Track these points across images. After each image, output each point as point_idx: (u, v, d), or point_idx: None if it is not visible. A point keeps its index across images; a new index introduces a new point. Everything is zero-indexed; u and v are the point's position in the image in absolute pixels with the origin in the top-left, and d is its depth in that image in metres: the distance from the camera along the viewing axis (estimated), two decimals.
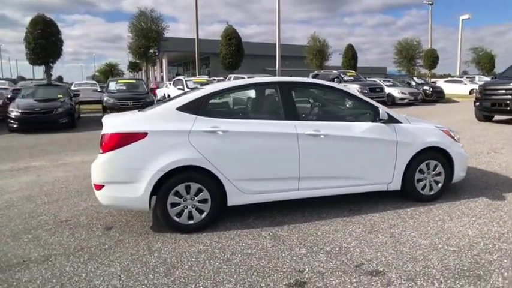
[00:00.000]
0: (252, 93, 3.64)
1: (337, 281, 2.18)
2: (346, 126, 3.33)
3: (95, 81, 22.20)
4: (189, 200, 2.97)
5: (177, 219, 2.97)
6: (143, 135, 2.90)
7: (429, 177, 3.53)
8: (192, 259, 2.52)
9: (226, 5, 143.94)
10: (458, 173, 3.64)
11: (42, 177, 4.90)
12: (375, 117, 3.37)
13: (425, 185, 3.53)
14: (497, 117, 10.03)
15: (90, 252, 2.67)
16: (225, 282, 2.20)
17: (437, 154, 3.52)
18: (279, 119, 3.21)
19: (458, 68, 31.62)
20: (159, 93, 18.65)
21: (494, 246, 2.54)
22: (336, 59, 30.35)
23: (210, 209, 3.01)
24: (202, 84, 13.61)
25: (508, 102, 9.32)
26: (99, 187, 2.96)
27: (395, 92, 17.97)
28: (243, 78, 15.01)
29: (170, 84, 17.46)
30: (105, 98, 10.55)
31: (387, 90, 17.80)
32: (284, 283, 2.17)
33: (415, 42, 30.82)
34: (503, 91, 9.53)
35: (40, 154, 6.53)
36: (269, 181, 3.14)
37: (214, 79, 15.43)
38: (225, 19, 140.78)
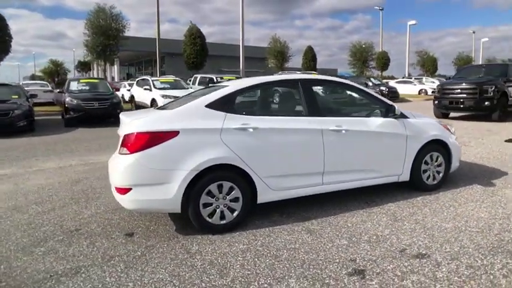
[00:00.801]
0: (277, 90, 3.69)
1: (391, 266, 2.32)
2: (363, 121, 3.53)
3: (45, 82, 20.25)
4: (221, 199, 2.93)
5: (209, 220, 2.90)
6: (175, 133, 2.79)
7: (432, 168, 3.88)
8: (239, 258, 2.50)
9: (176, 4, 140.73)
10: (455, 163, 4.05)
11: (21, 186, 4.41)
12: (386, 112, 3.63)
13: (429, 175, 3.87)
14: (452, 114, 11.23)
15: (124, 261, 2.50)
16: (286, 278, 2.22)
17: (438, 146, 3.88)
18: (303, 116, 3.31)
19: (407, 69, 34.61)
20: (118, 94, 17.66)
21: (509, 225, 2.91)
22: (295, 61, 31.46)
23: (241, 208, 2.99)
24: (171, 84, 13.23)
25: (462, 100, 10.50)
26: (125, 191, 2.78)
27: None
28: (211, 78, 14.91)
29: (128, 84, 16.64)
30: (67, 99, 9.72)
31: None
32: (344, 272, 2.26)
33: (364, 45, 33.06)
34: (459, 90, 10.70)
35: (6, 161, 5.86)
36: (296, 177, 3.21)
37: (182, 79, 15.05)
38: (175, 18, 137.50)
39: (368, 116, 3.62)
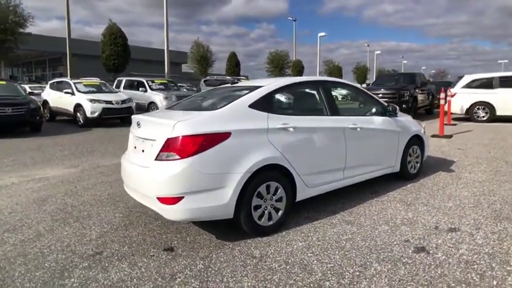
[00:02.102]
0: (304, 90, 3.81)
1: (439, 240, 2.74)
2: (369, 120, 3.97)
3: None
4: (268, 200, 2.93)
5: (259, 222, 2.88)
6: (227, 135, 2.70)
7: (413, 159, 4.60)
8: (310, 254, 2.57)
9: None
10: (426, 154, 4.87)
11: None
12: (383, 112, 4.16)
13: (412, 165, 4.57)
14: None
15: (192, 276, 2.30)
16: (368, 263, 2.40)
17: (417, 140, 4.62)
18: (327, 115, 3.55)
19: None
20: None
21: (490, 200, 3.70)
22: (219, 66, 31.77)
23: (284, 207, 3.05)
24: (96, 87, 11.87)
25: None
26: (176, 200, 2.56)
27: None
28: (141, 81, 13.91)
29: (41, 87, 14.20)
30: None
31: None
32: (410, 251, 2.57)
33: (281, 53, 35.58)
34: (381, 95, 12.49)
35: None
36: (325, 173, 3.42)
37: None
38: (65, 15, 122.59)
39: (371, 114, 4.10)
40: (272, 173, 2.93)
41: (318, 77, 3.67)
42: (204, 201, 2.61)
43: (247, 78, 19.24)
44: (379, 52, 57.89)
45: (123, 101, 11.17)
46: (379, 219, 3.24)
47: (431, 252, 2.56)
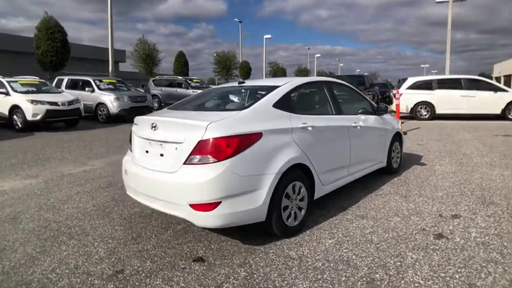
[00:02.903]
0: (313, 90, 3.83)
1: (451, 226, 3.02)
2: (365, 118, 4.20)
3: None
4: (294, 200, 2.94)
5: (287, 223, 2.87)
6: (259, 135, 2.64)
7: (395, 155, 4.98)
8: (345, 250, 2.63)
9: None
10: (403, 150, 5.31)
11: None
12: (374, 111, 4.44)
13: (394, 160, 4.95)
14: None
15: (240, 285, 2.20)
16: (403, 253, 2.55)
17: (397, 137, 5.02)
18: (333, 114, 3.67)
19: (263, 78, 39.31)
20: None
21: (473, 186, 4.18)
22: (165, 65, 30.32)
23: (306, 206, 3.09)
24: (36, 86, 10.53)
25: None
26: (213, 206, 2.42)
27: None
28: (87, 80, 12.74)
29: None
30: None
31: None
32: (431, 238, 2.79)
33: (227, 53, 35.60)
34: None
35: None
36: (335, 171, 3.54)
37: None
38: None
39: (365, 113, 4.33)
40: (297, 173, 2.94)
41: (323, 78, 3.78)
42: (240, 205, 2.52)
43: (203, 80, 18.84)
44: (319, 55, 61.24)
45: (70, 102, 10.15)
46: (388, 211, 3.46)
47: (449, 237, 2.82)
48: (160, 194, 2.65)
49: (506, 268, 2.33)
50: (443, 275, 2.27)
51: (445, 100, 12.08)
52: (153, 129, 2.79)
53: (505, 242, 2.71)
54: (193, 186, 2.45)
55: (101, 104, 11.97)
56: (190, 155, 2.50)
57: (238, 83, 3.68)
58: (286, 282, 2.24)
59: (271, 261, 2.51)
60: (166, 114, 3.20)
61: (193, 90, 16.72)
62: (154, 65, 25.76)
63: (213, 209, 2.43)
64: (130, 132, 3.26)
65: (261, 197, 2.60)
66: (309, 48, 61.78)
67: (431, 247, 2.66)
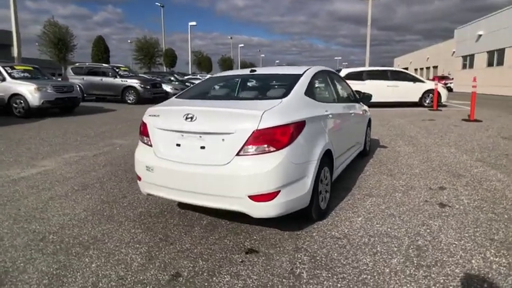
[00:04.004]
0: (322, 79, 3.89)
1: (445, 196, 3.55)
2: (355, 106, 4.56)
3: None
4: (324, 184, 3.09)
5: (321, 206, 3.02)
6: (304, 123, 2.69)
7: (368, 139, 5.52)
8: (378, 225, 2.90)
9: None
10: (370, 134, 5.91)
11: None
12: (356, 99, 4.84)
13: (368, 144, 5.48)
14: None
15: (313, 268, 2.27)
16: (427, 221, 2.94)
17: (369, 122, 5.55)
18: (337, 102, 3.90)
19: (190, 67, 38.19)
20: None
21: (435, 162, 4.90)
22: (82, 51, 26.88)
23: (330, 189, 3.28)
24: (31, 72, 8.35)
25: None
26: (273, 195, 2.43)
27: (168, 88, 19.63)
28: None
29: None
30: None
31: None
32: (438, 207, 3.25)
33: (148, 40, 33.56)
34: None
35: None
36: (342, 155, 3.79)
37: None
38: None
39: (352, 101, 4.68)
40: (326, 158, 3.09)
41: (324, 67, 3.94)
42: (294, 193, 2.57)
43: (130, 68, 17.26)
44: (242, 45, 61.96)
45: None
46: (387, 189, 3.87)
47: (450, 205, 3.34)
48: (208, 189, 2.52)
49: (506, 223, 2.90)
50: (467, 234, 2.71)
51: (374, 89, 13.51)
52: (189, 120, 2.61)
53: (491, 204, 3.34)
54: (253, 177, 2.40)
55: (16, 96, 10.20)
56: (244, 145, 2.44)
57: (250, 71, 3.62)
58: (349, 259, 2.39)
59: (321, 243, 2.64)
60: (196, 104, 2.98)
61: (123, 80, 15.47)
62: (68, 51, 22.76)
63: (273, 198, 2.43)
64: (142, 125, 2.98)
65: (308, 183, 2.69)
66: (231, 38, 62.16)
67: (443, 214, 3.12)
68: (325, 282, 2.12)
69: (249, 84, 3.72)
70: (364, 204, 3.41)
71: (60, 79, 15.90)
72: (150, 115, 2.89)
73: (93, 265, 2.36)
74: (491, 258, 2.36)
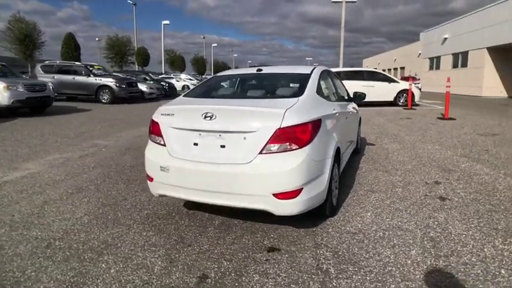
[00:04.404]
0: (325, 78, 3.90)
1: (442, 190, 3.73)
2: (351, 104, 4.67)
3: None
4: (334, 181, 3.14)
5: (333, 202, 3.06)
6: (320, 121, 2.72)
7: (359, 137, 5.67)
8: (388, 219, 3.00)
9: None
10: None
11: None
12: (350, 98, 4.95)
13: (359, 142, 5.63)
14: None
15: (339, 263, 2.31)
16: (433, 215, 3.07)
17: (360, 121, 5.71)
18: (338, 101, 3.97)
19: (163, 66, 37.38)
20: None
21: (423, 158, 5.12)
22: (49, 49, 25.31)
23: (338, 185, 3.33)
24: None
25: None
26: (296, 193, 2.46)
27: (144, 87, 19.09)
28: None
29: None
30: None
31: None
32: (439, 200, 3.41)
33: (120, 38, 32.49)
34: None
35: None
36: (344, 153, 3.86)
37: None
38: None
39: (348, 100, 4.78)
40: (336, 156, 3.15)
41: (325, 67, 4.00)
42: (314, 190, 2.59)
43: (104, 68, 16.51)
44: (215, 45, 61.53)
45: None
46: (386, 184, 4.01)
47: (449, 198, 3.51)
48: (229, 188, 2.48)
49: (504, 214, 3.09)
50: (473, 225, 2.87)
51: (351, 89, 13.98)
52: (208, 119, 2.55)
53: (486, 196, 3.55)
54: (277, 175, 2.40)
55: None
56: (267, 143, 2.43)
57: (257, 70, 3.59)
58: (370, 253, 2.45)
59: (339, 238, 2.68)
60: (213, 102, 2.93)
61: (97, 79, 14.87)
62: (35, 48, 21.41)
63: (296, 196, 2.45)
64: (152, 124, 2.88)
65: (325, 180, 2.73)
66: (204, 37, 61.54)
67: (445, 207, 3.28)
68: (354, 277, 2.17)
69: (261, 83, 3.70)
70: (369, 200, 3.51)
71: (28, 77, 15.01)
72: (162, 114, 2.80)
73: (111, 271, 2.25)
74: (501, 246, 2.52)
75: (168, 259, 2.40)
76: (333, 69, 15.15)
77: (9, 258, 2.40)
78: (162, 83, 22.36)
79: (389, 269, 2.25)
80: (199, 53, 61.26)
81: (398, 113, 11.86)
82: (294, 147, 2.45)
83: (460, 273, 2.18)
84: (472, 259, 2.35)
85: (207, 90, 3.41)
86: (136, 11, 33.05)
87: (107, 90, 14.79)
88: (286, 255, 2.44)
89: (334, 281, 2.12)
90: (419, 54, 36.66)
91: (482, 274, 2.17)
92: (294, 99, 2.76)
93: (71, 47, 23.41)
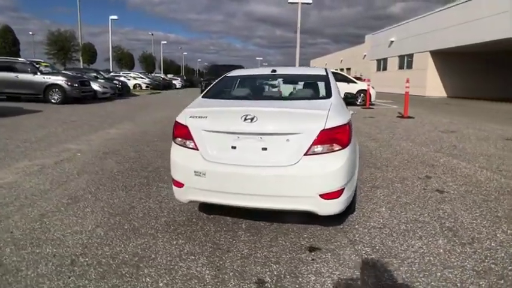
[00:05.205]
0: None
1: (437, 183, 4.08)
2: None
3: None
4: None
5: (355, 200, 3.18)
6: (351, 122, 2.81)
7: None
8: (402, 212, 3.23)
9: None
10: None
11: None
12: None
13: None
14: None
15: (382, 256, 2.43)
16: (438, 208, 3.35)
17: None
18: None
19: (111, 64, 35.18)
20: None
21: (402, 150, 5.54)
22: None
23: None
24: None
25: None
26: (340, 192, 2.54)
27: (96, 86, 17.88)
28: None
29: None
30: None
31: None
32: (438, 193, 3.73)
33: (63, 32, 30.06)
34: None
35: None
36: None
37: None
38: None
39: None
40: None
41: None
42: (351, 189, 2.70)
43: (53, 65, 14.91)
44: (165, 42, 59.64)
45: None
46: (384, 180, 4.28)
47: (445, 191, 3.87)
48: (273, 190, 2.48)
49: (498, 203, 3.49)
50: (477, 214, 3.21)
51: None
52: (248, 121, 2.52)
53: (476, 188, 3.97)
54: (324, 176, 2.46)
55: None
56: (312, 145, 2.47)
57: (272, 71, 3.59)
58: (404, 245, 2.62)
59: (369, 234, 2.82)
60: (252, 104, 2.87)
61: (46, 77, 13.62)
62: None
63: (340, 195, 2.53)
64: (179, 128, 2.75)
65: (355, 179, 2.86)
66: (152, 34, 59.40)
67: (446, 199, 3.61)
68: (401, 268, 2.31)
69: (286, 84, 3.72)
70: (377, 196, 3.72)
71: None
72: (191, 117, 2.69)
73: (160, 284, 2.13)
74: (510, 231, 2.86)
75: (214, 267, 2.33)
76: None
77: (34, 281, 2.15)
78: (114, 81, 21.18)
79: (428, 258, 2.43)
80: (147, 51, 58.97)
81: (360, 112, 12.59)
82: (336, 148, 2.52)
83: (488, 258, 2.44)
84: (492, 244, 2.64)
85: (228, 91, 3.35)
86: (80, 3, 30.67)
87: (57, 90, 13.63)
88: (329, 254, 2.51)
89: (386, 274, 2.24)
90: (365, 55, 39.18)
91: (506, 257, 2.45)
92: (327, 101, 2.83)
93: (8, 41, 21.07)
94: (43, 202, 3.45)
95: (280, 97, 3.41)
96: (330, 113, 2.56)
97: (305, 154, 2.48)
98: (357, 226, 2.97)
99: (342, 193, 2.55)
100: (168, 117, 10.95)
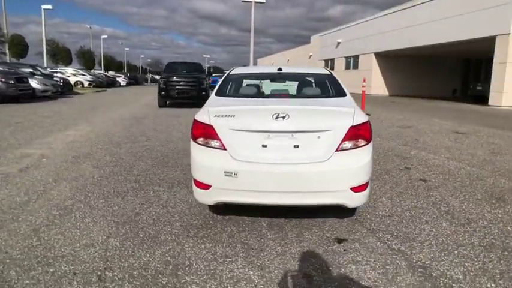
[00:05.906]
0: None
1: (416, 172, 4.50)
2: None
3: None
4: None
5: None
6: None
7: None
8: (414, 198, 3.54)
9: None
10: None
11: None
12: None
13: None
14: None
15: (401, 243, 2.66)
16: (443, 199, 3.72)
17: None
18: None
19: (45, 59, 31.95)
20: None
21: (386, 147, 6.00)
22: None
23: None
24: None
25: (188, 90, 13.43)
26: (366, 185, 2.75)
27: (34, 83, 16.26)
28: None
29: None
30: None
31: None
32: (423, 183, 4.14)
33: None
34: (183, 83, 13.45)
35: None
36: None
37: None
38: None
39: None
40: None
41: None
42: (370, 181, 2.89)
43: None
44: (105, 36, 56.08)
45: None
46: (373, 173, 4.50)
47: (427, 180, 4.31)
48: (307, 186, 2.59)
49: (474, 188, 4.00)
50: (463, 198, 3.65)
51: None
52: (280, 119, 2.58)
53: (451, 176, 4.49)
54: (354, 170, 2.62)
55: None
56: (342, 141, 2.61)
57: (278, 70, 3.66)
58: (417, 229, 2.90)
59: (383, 223, 3.06)
60: (280, 102, 2.91)
61: None
62: None
63: (366, 188, 2.73)
64: (203, 127, 2.71)
65: (370, 173, 3.06)
66: (91, 27, 55.41)
67: (432, 187, 4.04)
68: (424, 250, 2.56)
69: (298, 82, 3.80)
70: (373, 187, 4.01)
71: None
72: (216, 116, 2.68)
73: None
74: (493, 211, 3.32)
75: (257, 267, 2.36)
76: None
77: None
78: (55, 78, 19.42)
79: (442, 239, 2.74)
80: (84, 46, 54.75)
81: None
82: (361, 144, 2.70)
83: (487, 234, 2.82)
84: (485, 223, 3.05)
85: (238, 89, 3.36)
86: None
87: None
88: (357, 243, 2.68)
89: (414, 257, 2.48)
90: (310, 55, 40.92)
91: (500, 232, 2.86)
92: (345, 99, 3.02)
93: None
94: (28, 215, 3.12)
95: (298, 95, 3.53)
96: (356, 110, 2.75)
97: (336, 150, 2.62)
98: (368, 216, 3.20)
99: (367, 186, 2.75)
100: (129, 117, 10.42)
